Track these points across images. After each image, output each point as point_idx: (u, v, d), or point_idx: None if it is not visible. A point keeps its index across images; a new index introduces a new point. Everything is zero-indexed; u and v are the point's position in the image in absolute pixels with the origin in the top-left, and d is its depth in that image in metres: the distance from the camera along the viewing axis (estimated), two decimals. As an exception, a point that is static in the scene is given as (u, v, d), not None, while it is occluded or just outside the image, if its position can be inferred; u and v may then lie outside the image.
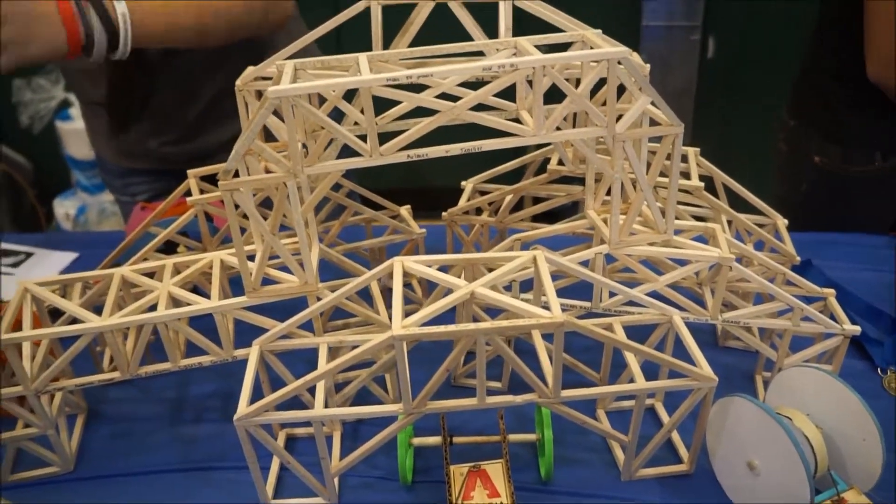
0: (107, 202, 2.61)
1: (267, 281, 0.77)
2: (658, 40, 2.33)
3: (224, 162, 0.95)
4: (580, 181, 0.91)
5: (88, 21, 0.94)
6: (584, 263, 0.80)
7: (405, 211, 1.00)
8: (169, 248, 0.97)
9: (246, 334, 0.81)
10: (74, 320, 0.80)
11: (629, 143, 0.72)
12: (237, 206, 0.70)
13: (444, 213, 0.99)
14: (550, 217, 0.98)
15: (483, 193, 1.01)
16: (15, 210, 2.67)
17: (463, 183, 1.02)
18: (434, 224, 1.07)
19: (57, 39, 0.93)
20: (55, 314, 0.86)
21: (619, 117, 0.72)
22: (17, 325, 0.79)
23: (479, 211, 1.01)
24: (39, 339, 0.78)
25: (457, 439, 0.78)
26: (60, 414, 0.85)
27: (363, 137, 0.68)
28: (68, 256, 1.27)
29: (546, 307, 0.68)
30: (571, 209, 0.93)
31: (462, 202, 0.99)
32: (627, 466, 0.79)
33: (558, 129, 0.71)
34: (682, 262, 0.81)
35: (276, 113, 0.68)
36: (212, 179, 0.95)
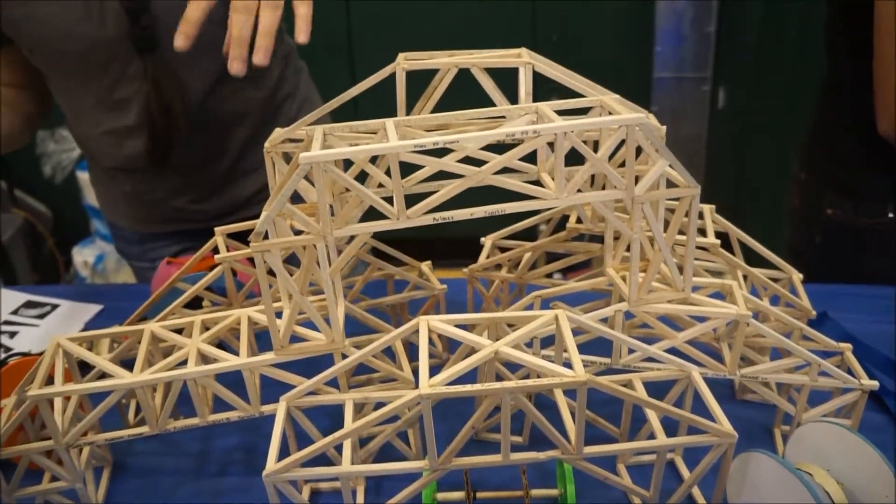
0: (125, 250, 2.64)
1: (294, 338, 0.78)
2: (669, 91, 2.37)
3: (248, 214, 0.98)
4: (598, 238, 0.93)
5: None
6: (604, 320, 0.82)
7: (426, 267, 1.02)
8: (194, 302, 0.99)
9: (269, 388, 0.83)
10: (103, 375, 0.82)
11: (647, 204, 0.74)
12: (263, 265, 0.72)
13: (464, 270, 1.01)
14: (567, 271, 1.01)
15: (502, 249, 1.03)
16: (35, 257, 2.71)
17: (482, 239, 1.04)
18: (453, 278, 1.09)
19: None
20: (82, 367, 0.88)
21: (637, 178, 0.74)
22: (48, 380, 0.81)
23: (498, 266, 1.03)
24: (72, 394, 0.80)
25: (480, 494, 0.79)
26: (88, 467, 0.86)
27: (388, 199, 0.71)
28: (93, 308, 1.30)
29: (568, 364, 0.69)
30: (587, 262, 0.95)
31: (482, 258, 1.01)
32: (648, 522, 0.79)
33: (579, 191, 0.73)
34: (700, 319, 0.83)
35: (306, 177, 0.71)
36: (236, 236, 0.98)
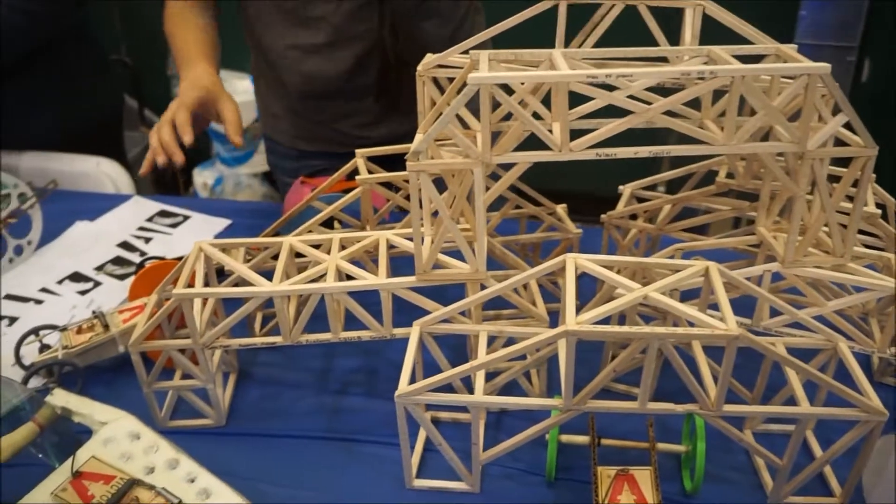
0: (242, 175, 2.71)
1: (434, 266, 0.78)
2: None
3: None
4: (747, 196, 0.89)
5: None
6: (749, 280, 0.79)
7: (562, 209, 1.00)
8: (327, 223, 1.00)
9: (397, 314, 0.83)
10: (238, 283, 0.83)
11: (818, 161, 0.71)
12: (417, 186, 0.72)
13: (602, 216, 0.99)
14: (699, 232, 0.97)
15: (640, 200, 1.00)
16: (158, 175, 2.80)
17: (621, 187, 1.02)
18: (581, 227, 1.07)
19: None
20: (218, 276, 0.90)
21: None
22: (190, 282, 0.83)
23: (633, 217, 1.00)
24: (214, 296, 0.82)
25: (604, 441, 0.78)
26: (218, 371, 0.89)
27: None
28: (222, 222, 1.33)
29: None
30: (722, 226, 0.91)
31: (619, 206, 0.99)
32: (777, 490, 0.77)
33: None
34: (844, 289, 0.79)
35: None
36: (375, 161, 0.98)
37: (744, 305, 0.83)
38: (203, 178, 2.75)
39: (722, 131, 0.69)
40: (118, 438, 0.75)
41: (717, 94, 0.79)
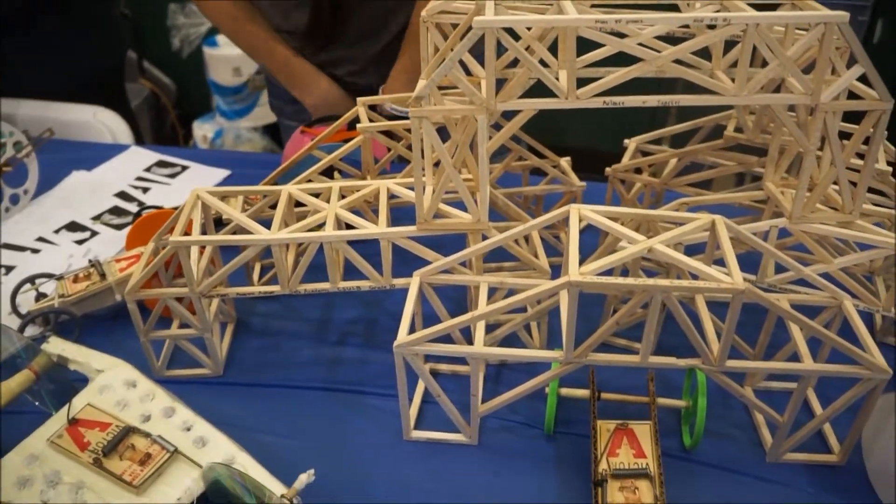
0: (243, 128, 2.68)
1: (435, 215, 0.77)
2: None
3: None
4: (754, 152, 0.88)
5: None
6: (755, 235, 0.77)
7: (565, 162, 0.98)
8: (326, 173, 0.99)
9: (397, 266, 0.82)
10: (237, 232, 0.82)
11: (831, 114, 0.69)
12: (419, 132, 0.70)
13: (607, 169, 0.97)
14: (703, 187, 0.96)
15: (645, 155, 0.99)
16: (157, 128, 2.77)
17: (626, 141, 1.00)
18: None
19: None
20: (216, 226, 0.89)
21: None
22: (187, 230, 0.82)
23: (639, 171, 0.98)
24: (211, 244, 0.81)
25: (604, 395, 0.77)
26: (215, 320, 0.88)
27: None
28: (221, 173, 1.31)
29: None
30: (727, 183, 0.90)
31: (625, 160, 0.97)
32: (776, 448, 0.76)
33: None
34: (860, 248, 0.78)
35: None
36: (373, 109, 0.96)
37: (749, 262, 0.81)
38: (203, 130, 2.72)
39: (733, 82, 0.67)
40: (114, 386, 0.75)
41: (729, 46, 0.77)
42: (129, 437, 0.69)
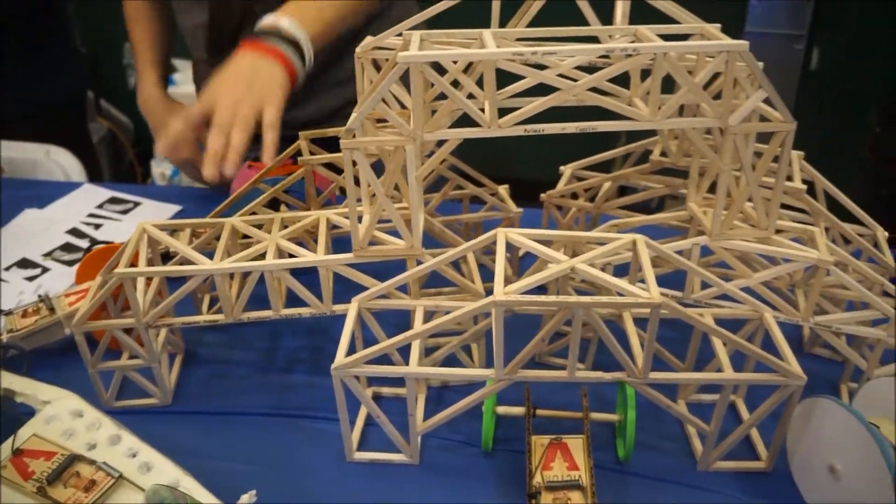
0: (200, 165, 2.70)
1: (371, 243, 0.80)
2: (759, 47, 2.28)
3: (332, 127, 0.99)
4: (679, 174, 0.92)
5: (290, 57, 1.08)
6: (679, 254, 0.81)
7: (503, 190, 1.02)
8: (272, 206, 1.02)
9: (339, 294, 0.85)
10: (182, 263, 0.84)
11: (740, 136, 0.73)
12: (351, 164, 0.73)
13: (542, 195, 1.01)
14: (641, 210, 1.00)
15: (580, 180, 1.03)
16: (115, 166, 2.78)
17: (561, 168, 1.04)
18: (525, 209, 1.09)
19: (285, 84, 1.07)
20: (163, 260, 0.91)
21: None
22: (133, 263, 0.84)
23: (574, 196, 1.02)
24: (155, 275, 0.83)
25: (539, 412, 0.80)
26: (163, 350, 0.90)
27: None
28: (173, 208, 1.33)
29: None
30: (660, 206, 0.94)
31: (560, 186, 1.01)
32: (705, 456, 0.79)
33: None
34: (775, 263, 0.82)
35: (398, 81, 0.71)
36: (318, 143, 0.99)
37: (677, 281, 0.85)
38: (161, 168, 2.75)
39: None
40: (61, 416, 0.76)
41: (646, 75, 0.81)
42: (73, 465, 0.70)
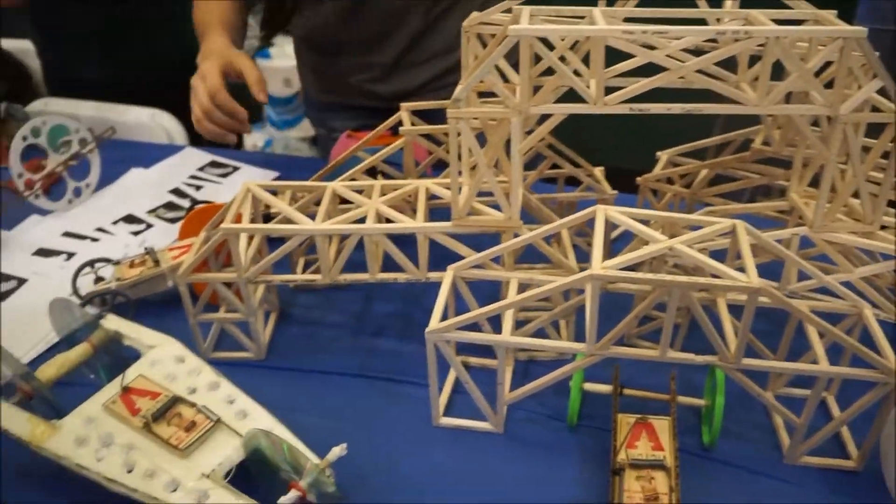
0: (292, 138, 2.76)
1: (469, 214, 0.81)
2: (872, 42, 2.19)
3: (425, 100, 1.01)
4: (780, 164, 0.91)
5: None
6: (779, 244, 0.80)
7: (599, 172, 1.02)
8: (370, 175, 1.04)
9: (432, 264, 0.86)
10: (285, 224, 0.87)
11: (850, 126, 0.72)
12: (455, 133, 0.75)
13: (638, 178, 1.01)
14: (737, 199, 0.99)
15: (676, 167, 1.02)
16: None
17: (658, 153, 1.03)
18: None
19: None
20: (265, 221, 0.94)
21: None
22: (236, 221, 0.87)
23: (670, 181, 1.02)
24: (258, 233, 0.86)
25: (627, 391, 0.80)
26: (260, 307, 0.93)
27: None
28: (270, 174, 1.38)
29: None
30: (752, 199, 0.92)
31: (657, 170, 1.01)
32: (793, 449, 0.79)
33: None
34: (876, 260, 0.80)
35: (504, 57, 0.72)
36: (416, 115, 1.01)
37: (773, 273, 0.84)
38: (253, 139, 2.81)
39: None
40: (164, 361, 0.80)
41: (756, 61, 0.80)
42: (176, 406, 0.74)
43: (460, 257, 0.82)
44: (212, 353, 0.92)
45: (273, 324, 0.98)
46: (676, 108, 0.70)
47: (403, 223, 0.82)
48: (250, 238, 0.88)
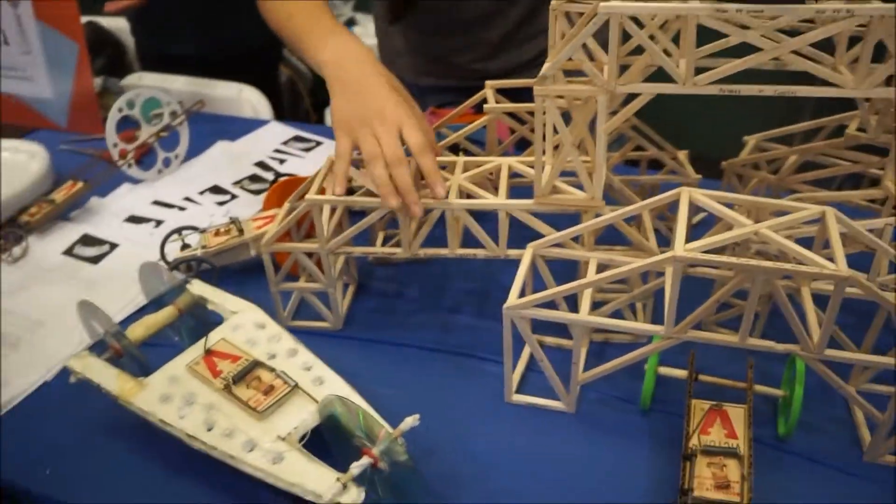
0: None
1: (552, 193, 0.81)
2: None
3: (525, 77, 1.01)
4: (876, 152, 0.88)
5: None
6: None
7: (683, 155, 1.00)
8: (452, 151, 1.04)
9: (511, 242, 0.87)
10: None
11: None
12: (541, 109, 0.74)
13: (723, 163, 0.99)
14: (826, 187, 0.96)
15: (764, 152, 0.99)
16: (292, 113, 2.92)
17: (745, 138, 1.01)
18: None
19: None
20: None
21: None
22: (321, 193, 0.89)
23: (756, 167, 0.99)
24: (342, 204, 0.88)
25: (702, 377, 0.79)
26: (339, 278, 0.95)
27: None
28: (352, 150, 1.39)
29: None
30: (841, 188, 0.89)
31: (743, 155, 0.99)
32: (874, 447, 0.76)
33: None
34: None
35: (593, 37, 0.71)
36: (501, 93, 1.01)
37: (863, 266, 0.82)
38: (335, 117, 2.85)
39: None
40: (246, 326, 0.83)
41: (855, 42, 0.77)
42: (255, 370, 0.76)
43: (539, 237, 0.82)
44: (291, 321, 0.95)
45: (350, 296, 1.00)
46: (769, 90, 0.68)
47: (485, 199, 0.82)
48: (332, 210, 0.90)
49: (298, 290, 0.93)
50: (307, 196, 0.86)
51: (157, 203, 1.25)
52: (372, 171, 0.84)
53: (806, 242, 0.78)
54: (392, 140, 0.84)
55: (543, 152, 0.79)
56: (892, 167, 0.80)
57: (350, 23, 2.76)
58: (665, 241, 0.99)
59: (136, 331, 0.84)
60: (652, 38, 0.71)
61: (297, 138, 1.46)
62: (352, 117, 0.88)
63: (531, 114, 0.95)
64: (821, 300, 0.75)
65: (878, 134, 0.84)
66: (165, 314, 0.86)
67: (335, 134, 0.89)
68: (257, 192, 1.26)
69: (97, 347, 0.82)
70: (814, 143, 0.93)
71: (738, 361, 0.79)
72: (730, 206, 0.73)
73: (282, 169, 1.35)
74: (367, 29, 2.68)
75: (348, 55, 0.94)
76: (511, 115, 0.98)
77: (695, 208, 0.75)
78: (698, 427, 0.74)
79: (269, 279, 0.91)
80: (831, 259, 0.66)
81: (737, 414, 0.75)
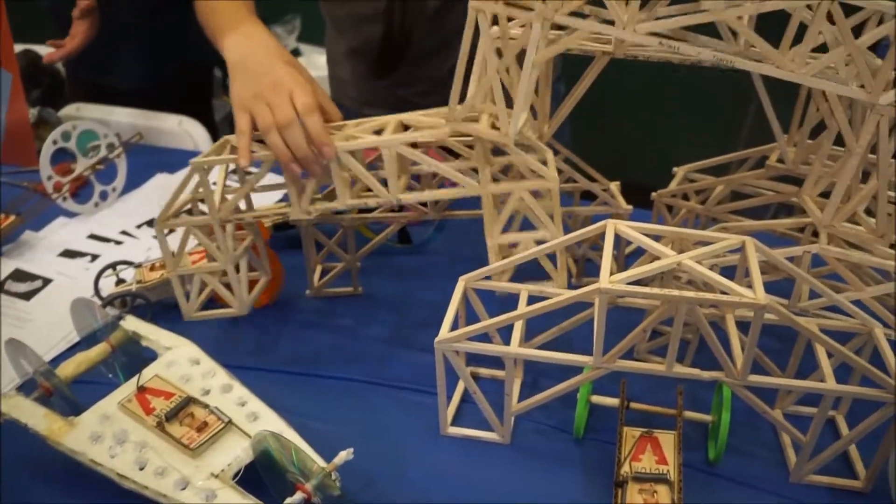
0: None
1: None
2: None
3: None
4: (795, 182, 0.91)
5: None
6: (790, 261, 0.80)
7: (615, 186, 1.03)
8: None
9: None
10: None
11: (885, 119, 0.70)
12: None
13: (653, 194, 1.01)
14: (755, 217, 0.99)
15: (692, 182, 1.02)
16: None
17: (675, 169, 1.04)
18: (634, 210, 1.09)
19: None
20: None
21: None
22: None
23: (685, 197, 1.02)
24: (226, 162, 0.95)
25: (633, 405, 0.81)
26: (242, 255, 0.99)
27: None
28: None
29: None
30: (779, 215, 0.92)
31: (672, 186, 1.01)
32: (799, 468, 0.78)
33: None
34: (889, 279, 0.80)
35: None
36: None
37: (784, 291, 0.84)
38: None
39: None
40: (180, 362, 0.82)
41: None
42: (189, 407, 0.75)
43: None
44: (194, 313, 0.99)
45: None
46: (707, 52, 0.68)
47: (368, 138, 0.86)
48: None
49: (198, 273, 0.93)
50: (193, 160, 0.90)
51: (93, 237, 1.23)
52: (267, 140, 0.88)
53: (731, 271, 0.80)
54: (283, 105, 0.87)
55: (467, 74, 0.80)
56: (811, 183, 0.83)
57: (295, 53, 2.76)
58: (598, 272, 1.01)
59: (67, 368, 0.82)
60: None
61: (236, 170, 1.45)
62: (246, 95, 0.91)
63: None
64: (746, 327, 0.77)
65: (796, 165, 0.87)
66: (97, 351, 0.84)
67: (234, 113, 0.92)
68: (196, 226, 1.26)
69: (26, 387, 0.81)
70: (737, 173, 0.96)
71: (669, 388, 0.81)
72: (656, 237, 0.75)
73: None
74: (311, 59, 2.69)
75: (250, 41, 0.97)
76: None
77: (627, 240, 0.76)
78: (630, 454, 0.75)
79: (166, 262, 0.95)
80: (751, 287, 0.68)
81: (667, 440, 0.77)
